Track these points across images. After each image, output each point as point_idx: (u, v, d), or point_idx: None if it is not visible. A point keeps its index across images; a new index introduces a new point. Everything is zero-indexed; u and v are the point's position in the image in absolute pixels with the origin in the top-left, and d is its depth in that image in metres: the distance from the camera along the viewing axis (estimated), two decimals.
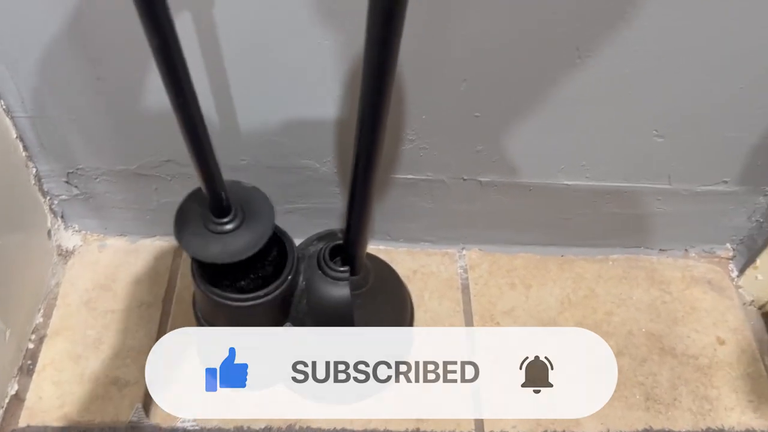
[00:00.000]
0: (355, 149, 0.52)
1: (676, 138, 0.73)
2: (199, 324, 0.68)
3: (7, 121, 0.69)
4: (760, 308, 0.86)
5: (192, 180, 0.62)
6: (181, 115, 0.48)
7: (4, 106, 0.67)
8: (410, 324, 0.77)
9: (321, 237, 0.70)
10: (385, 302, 0.73)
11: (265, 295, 0.61)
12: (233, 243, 0.58)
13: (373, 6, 0.38)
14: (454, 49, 0.62)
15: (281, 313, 0.67)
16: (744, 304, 0.87)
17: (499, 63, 0.64)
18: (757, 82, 0.66)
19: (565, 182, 0.79)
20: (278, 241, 0.65)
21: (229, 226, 0.59)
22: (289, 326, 0.66)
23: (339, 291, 0.65)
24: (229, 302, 0.61)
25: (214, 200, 0.56)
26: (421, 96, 0.67)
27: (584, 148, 0.75)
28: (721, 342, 0.84)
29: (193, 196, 0.61)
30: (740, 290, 0.88)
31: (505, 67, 0.64)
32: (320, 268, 0.66)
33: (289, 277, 0.63)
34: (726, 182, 0.80)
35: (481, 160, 0.76)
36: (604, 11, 0.59)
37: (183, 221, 0.59)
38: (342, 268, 0.66)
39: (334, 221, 0.83)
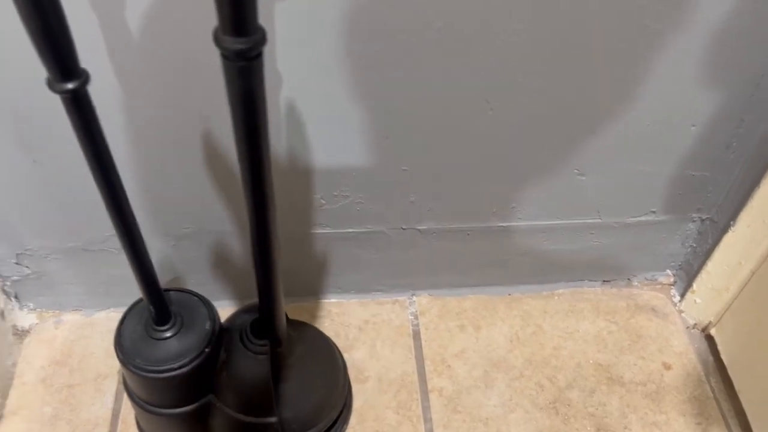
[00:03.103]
0: (250, 237, 0.53)
1: (597, 175, 0.77)
2: (130, 399, 0.69)
3: None
4: (702, 331, 0.89)
5: None
6: (113, 213, 0.52)
7: None
8: (343, 390, 0.78)
9: (248, 309, 0.71)
10: (312, 371, 0.74)
11: (180, 367, 0.63)
12: (171, 348, 0.63)
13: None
14: (375, 109, 0.66)
15: (202, 384, 0.68)
16: (687, 327, 0.90)
17: (417, 119, 0.67)
18: (661, 119, 0.71)
19: (500, 224, 0.83)
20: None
21: (168, 333, 0.64)
22: (212, 398, 0.68)
23: (257, 365, 0.66)
24: (143, 373, 0.63)
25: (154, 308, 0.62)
26: (348, 154, 0.70)
27: (511, 191, 0.78)
28: (668, 367, 0.86)
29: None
30: (683, 314, 0.91)
31: (422, 122, 0.68)
32: (241, 340, 0.67)
33: (207, 350, 0.64)
34: (654, 212, 0.84)
35: (416, 209, 0.79)
36: (511, 64, 0.63)
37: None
38: (261, 342, 0.66)
39: None
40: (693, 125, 0.72)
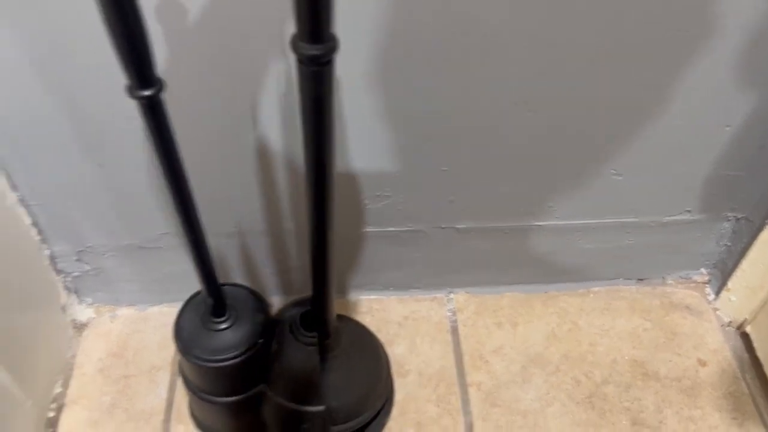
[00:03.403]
0: (309, 232, 0.57)
1: (634, 175, 0.79)
2: (186, 387, 0.73)
3: (21, 210, 0.76)
4: (737, 328, 0.90)
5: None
6: (179, 212, 0.56)
7: (19, 196, 0.75)
8: (386, 383, 0.82)
9: (298, 302, 0.75)
10: (358, 364, 0.77)
11: (235, 357, 0.67)
12: (227, 339, 0.67)
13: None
14: (417, 113, 0.69)
15: (255, 374, 0.71)
16: (722, 325, 0.91)
17: (457, 121, 0.70)
18: (697, 120, 0.73)
19: (536, 223, 0.85)
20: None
21: (223, 325, 0.68)
22: (264, 387, 0.72)
23: (307, 356, 0.70)
24: (201, 362, 0.67)
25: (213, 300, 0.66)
26: (390, 157, 0.74)
27: (548, 190, 0.81)
28: (703, 364, 0.87)
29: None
30: (717, 312, 0.92)
31: (462, 124, 0.71)
32: (291, 332, 0.71)
33: (260, 341, 0.68)
34: (689, 211, 0.85)
35: (454, 209, 0.82)
36: (550, 68, 0.66)
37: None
38: (311, 334, 0.70)
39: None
40: (727, 126, 0.74)
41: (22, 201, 0.76)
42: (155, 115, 0.49)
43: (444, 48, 0.62)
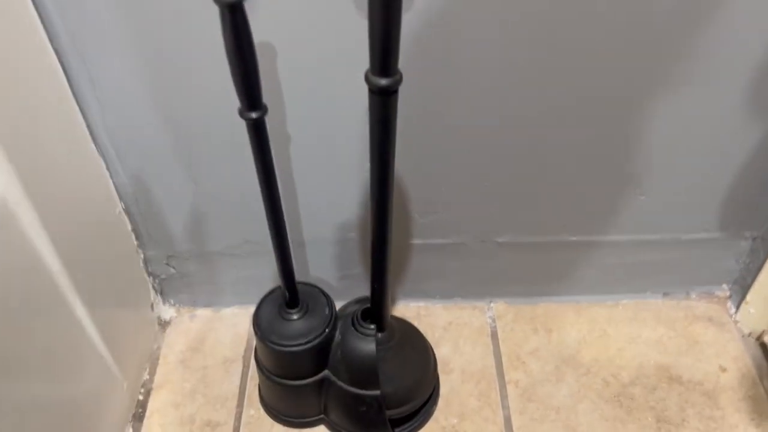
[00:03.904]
0: (371, 235, 0.68)
1: (657, 195, 0.89)
2: (260, 371, 0.85)
3: (125, 218, 0.90)
4: (757, 339, 0.98)
5: (262, 256, 0.82)
6: (270, 215, 0.69)
7: (123, 207, 0.88)
8: (433, 376, 0.92)
9: (359, 300, 0.86)
10: (409, 356, 0.88)
11: (306, 342, 0.79)
12: (299, 327, 0.80)
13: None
14: (464, 136, 0.81)
15: (321, 361, 0.83)
16: (742, 336, 0.99)
17: (498, 143, 0.82)
18: (714, 146, 0.83)
19: (571, 238, 0.95)
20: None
21: (295, 316, 0.80)
22: (327, 373, 0.83)
23: (366, 345, 0.81)
24: (277, 347, 0.79)
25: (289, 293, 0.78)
26: (439, 174, 0.85)
27: (581, 208, 0.91)
28: (723, 369, 0.95)
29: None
30: (738, 324, 1.00)
31: (504, 146, 0.82)
32: (353, 325, 0.82)
33: (327, 330, 0.80)
34: (707, 230, 0.94)
35: (495, 223, 0.93)
36: (585, 95, 0.77)
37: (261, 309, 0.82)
38: (370, 326, 0.81)
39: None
40: (741, 151, 0.84)
41: (126, 210, 0.89)
42: (258, 134, 0.61)
43: (482, 69, 0.74)
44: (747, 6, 0.68)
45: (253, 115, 0.59)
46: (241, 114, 0.59)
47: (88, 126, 0.77)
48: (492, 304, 1.05)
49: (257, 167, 0.64)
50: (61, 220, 0.71)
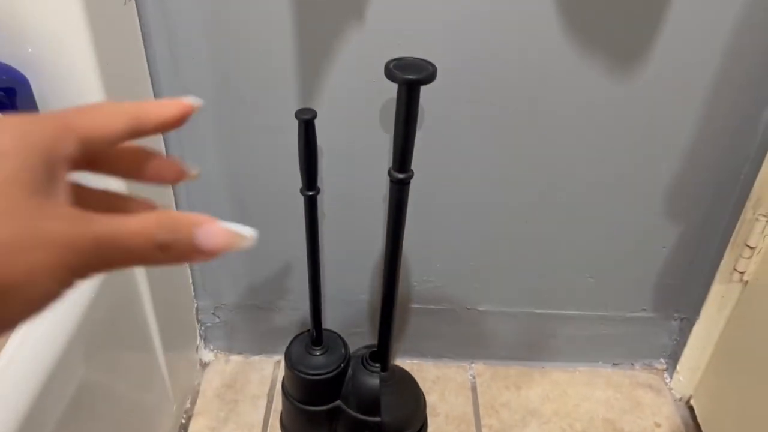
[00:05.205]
0: (382, 292, 0.94)
1: (602, 278, 1.15)
2: (284, 394, 1.07)
3: (188, 271, 1.15)
4: (686, 402, 1.20)
5: (291, 312, 1.08)
6: (311, 274, 0.94)
7: (187, 263, 1.14)
8: (423, 412, 1.14)
9: (368, 346, 1.10)
10: (405, 393, 1.10)
11: (326, 373, 1.02)
12: (321, 362, 1.03)
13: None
14: (463, 226, 1.08)
15: (335, 390, 1.05)
16: (675, 400, 1.22)
17: (479, 230, 1.09)
18: (641, 241, 1.09)
19: (536, 311, 1.20)
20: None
21: (318, 353, 1.03)
22: (339, 403, 1.05)
23: (372, 380, 1.03)
24: (303, 375, 1.01)
25: (316, 333, 1.02)
26: (435, 251, 1.11)
27: (545, 285, 1.16)
28: (658, 425, 1.17)
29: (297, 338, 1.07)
30: (672, 390, 1.23)
31: (483, 232, 1.09)
32: (362, 363, 1.05)
33: (342, 365, 1.03)
34: (645, 310, 1.20)
35: (477, 295, 1.18)
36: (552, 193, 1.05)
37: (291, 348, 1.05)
38: (376, 365, 1.05)
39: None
40: (664, 247, 1.11)
41: (189, 266, 1.15)
42: (312, 208, 0.88)
43: (470, 178, 1.02)
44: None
45: (310, 193, 0.86)
46: (302, 192, 0.86)
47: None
48: (473, 364, 1.28)
49: (307, 235, 0.90)
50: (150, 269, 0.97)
